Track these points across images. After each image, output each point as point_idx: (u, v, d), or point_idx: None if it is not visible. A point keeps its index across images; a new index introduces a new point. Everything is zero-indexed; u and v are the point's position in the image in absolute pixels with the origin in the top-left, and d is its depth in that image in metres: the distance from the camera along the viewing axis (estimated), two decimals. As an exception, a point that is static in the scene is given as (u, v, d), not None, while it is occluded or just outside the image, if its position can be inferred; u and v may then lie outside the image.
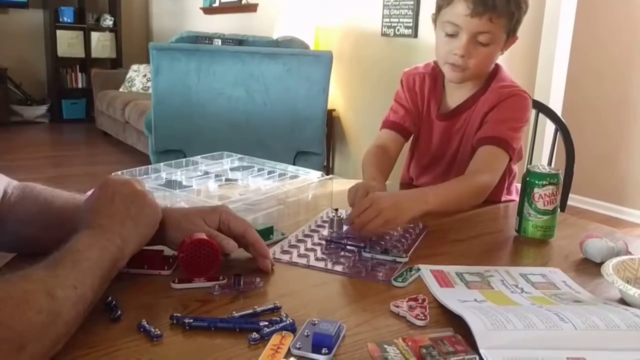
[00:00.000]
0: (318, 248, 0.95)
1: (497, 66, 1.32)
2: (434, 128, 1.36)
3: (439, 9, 1.24)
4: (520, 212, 1.07)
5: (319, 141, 3.57)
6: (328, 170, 4.25)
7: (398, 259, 0.90)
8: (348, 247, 0.95)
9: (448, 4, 1.20)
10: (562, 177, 1.06)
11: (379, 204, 0.96)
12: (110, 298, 0.68)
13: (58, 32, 6.43)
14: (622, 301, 0.79)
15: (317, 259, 0.90)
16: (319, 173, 1.30)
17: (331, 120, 4.17)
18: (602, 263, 0.86)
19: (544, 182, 1.04)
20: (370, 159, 1.32)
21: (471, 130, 1.29)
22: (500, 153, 1.22)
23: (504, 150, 1.22)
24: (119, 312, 0.67)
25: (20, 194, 0.84)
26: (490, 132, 1.23)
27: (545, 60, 3.23)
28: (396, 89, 1.43)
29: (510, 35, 1.24)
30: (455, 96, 1.33)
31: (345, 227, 1.04)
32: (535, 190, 1.04)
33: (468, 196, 1.15)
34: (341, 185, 1.39)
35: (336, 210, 1.07)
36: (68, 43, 6.52)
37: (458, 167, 1.31)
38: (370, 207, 0.96)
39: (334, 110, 4.24)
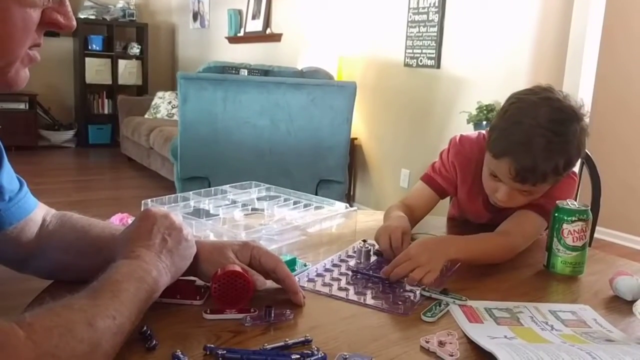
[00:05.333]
0: (343, 278, 0.96)
1: None
2: (479, 211, 1.32)
3: (487, 147, 1.16)
4: (549, 248, 1.07)
5: (341, 170, 3.60)
6: (349, 198, 4.25)
7: (457, 301, 0.89)
8: (373, 278, 0.96)
9: (494, 156, 1.13)
10: (591, 212, 1.06)
11: (417, 260, 0.95)
12: (145, 327, 0.70)
13: (87, 59, 6.60)
14: (655, 341, 0.78)
15: (339, 289, 0.91)
16: (343, 205, 1.32)
17: (353, 148, 4.19)
18: (633, 301, 0.86)
19: (573, 218, 1.03)
20: (395, 209, 1.26)
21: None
22: (538, 219, 1.16)
23: (544, 218, 1.16)
24: (154, 341, 0.68)
25: (58, 223, 0.87)
26: (535, 201, 1.18)
27: (569, 91, 3.22)
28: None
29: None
30: None
31: (372, 259, 1.05)
32: (565, 226, 1.04)
33: (494, 256, 1.08)
34: (365, 216, 1.40)
35: (364, 241, 1.08)
36: (96, 70, 6.68)
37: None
38: (408, 262, 0.96)
39: (356, 138, 4.27)
